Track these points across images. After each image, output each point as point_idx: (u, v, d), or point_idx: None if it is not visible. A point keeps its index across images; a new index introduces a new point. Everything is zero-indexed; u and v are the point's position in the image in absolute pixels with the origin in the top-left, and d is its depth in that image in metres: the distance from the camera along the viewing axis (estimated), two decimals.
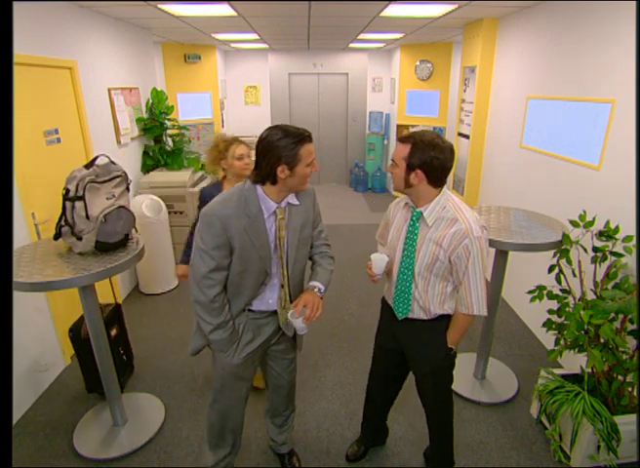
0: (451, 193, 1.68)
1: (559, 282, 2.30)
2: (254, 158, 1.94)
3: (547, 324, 2.31)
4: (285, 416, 2.15)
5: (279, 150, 1.45)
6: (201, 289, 1.58)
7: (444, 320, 1.78)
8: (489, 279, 2.74)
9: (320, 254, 1.82)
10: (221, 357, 1.72)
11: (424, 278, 1.70)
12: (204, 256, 1.54)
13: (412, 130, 1.66)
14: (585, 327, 2.06)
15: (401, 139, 1.59)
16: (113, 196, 2.12)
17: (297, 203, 1.62)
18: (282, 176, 1.49)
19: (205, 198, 2.31)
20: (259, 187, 1.56)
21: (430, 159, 1.52)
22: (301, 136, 1.47)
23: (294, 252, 1.67)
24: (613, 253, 2.16)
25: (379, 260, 1.77)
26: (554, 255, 2.29)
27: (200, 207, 2.29)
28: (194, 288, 1.60)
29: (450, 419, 2.02)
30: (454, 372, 1.94)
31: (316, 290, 1.69)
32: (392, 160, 1.63)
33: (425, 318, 1.77)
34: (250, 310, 1.73)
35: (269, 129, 1.50)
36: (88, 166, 2.08)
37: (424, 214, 1.63)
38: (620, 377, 2.12)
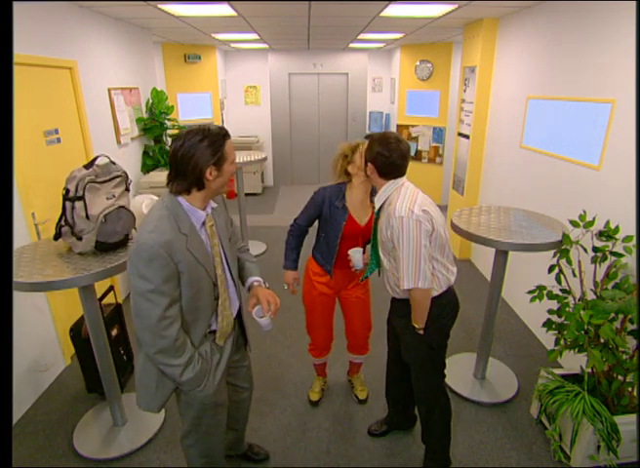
0: (409, 185, 1.83)
1: (559, 282, 2.30)
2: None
3: (547, 324, 2.31)
4: (242, 429, 2.12)
5: (206, 151, 1.37)
6: (159, 334, 1.39)
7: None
8: (488, 279, 2.73)
9: (240, 250, 1.85)
10: (195, 393, 1.57)
11: (387, 259, 1.89)
12: (153, 297, 1.36)
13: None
14: (585, 327, 2.06)
15: (366, 137, 1.94)
16: (113, 196, 2.12)
17: (215, 205, 1.57)
18: (210, 178, 1.41)
19: (319, 199, 2.16)
20: (181, 199, 1.44)
21: (377, 155, 1.79)
22: (222, 133, 1.42)
23: (229, 253, 1.64)
24: (613, 253, 2.16)
25: (355, 253, 2.04)
26: (554, 255, 2.29)
27: (308, 209, 2.21)
28: (149, 338, 1.40)
29: (438, 418, 2.06)
30: (450, 372, 2.03)
31: (262, 285, 1.75)
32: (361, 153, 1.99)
33: (404, 297, 1.90)
34: (210, 332, 1.62)
35: (185, 134, 1.39)
36: (88, 166, 2.08)
37: (375, 201, 1.90)
38: (620, 377, 2.12)
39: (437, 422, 2.07)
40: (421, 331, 1.87)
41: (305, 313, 2.44)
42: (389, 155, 1.77)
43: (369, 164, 1.83)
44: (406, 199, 1.76)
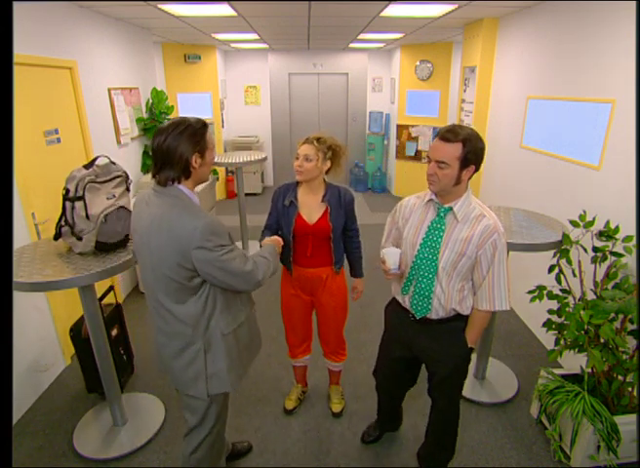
0: None
1: (559, 282, 2.30)
2: (314, 162, 2.00)
3: (547, 324, 2.31)
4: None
5: (190, 139, 1.45)
6: (251, 274, 1.55)
7: (462, 320, 1.79)
8: None
9: None
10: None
11: (448, 274, 1.69)
12: (233, 254, 1.50)
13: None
14: (585, 327, 2.06)
15: (446, 139, 1.55)
16: (114, 196, 2.12)
17: None
18: (196, 166, 1.49)
19: (275, 197, 2.18)
20: (181, 186, 1.51)
21: (481, 151, 1.58)
22: (202, 124, 1.51)
23: None
24: (613, 253, 2.16)
25: (392, 254, 1.72)
26: (554, 255, 2.29)
27: (270, 210, 2.21)
28: (246, 284, 1.56)
29: (459, 412, 2.01)
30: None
31: None
32: (441, 161, 1.56)
33: (444, 316, 1.76)
34: None
35: (167, 128, 1.46)
36: (87, 166, 2.08)
37: (455, 209, 1.65)
38: (620, 377, 2.12)
39: (454, 437, 2.02)
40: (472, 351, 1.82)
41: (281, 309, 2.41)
42: (484, 146, 1.59)
43: (471, 166, 1.57)
44: (490, 210, 1.67)
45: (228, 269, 1.49)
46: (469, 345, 1.79)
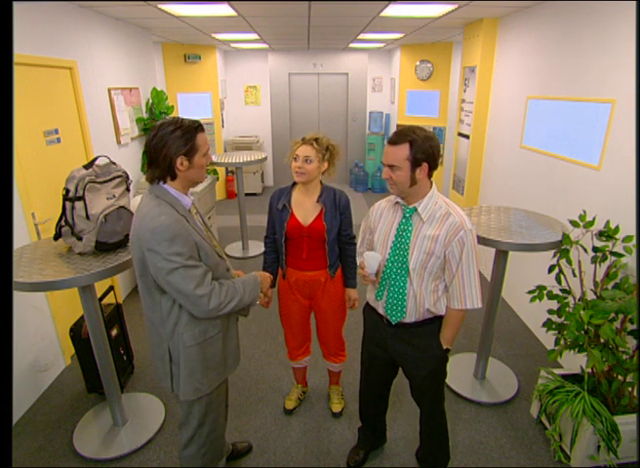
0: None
1: (559, 282, 2.30)
2: (314, 163, 1.99)
3: (547, 324, 2.31)
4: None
5: (176, 141, 1.42)
6: (201, 300, 1.45)
7: (435, 322, 1.77)
8: (488, 279, 2.74)
9: None
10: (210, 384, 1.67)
11: (419, 275, 1.68)
12: (186, 272, 1.41)
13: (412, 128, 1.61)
14: (585, 327, 2.06)
15: (393, 142, 1.58)
16: (114, 196, 2.12)
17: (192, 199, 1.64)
18: (182, 169, 1.46)
19: (271, 203, 2.16)
20: (166, 186, 1.49)
21: (431, 149, 1.57)
22: (195, 126, 1.47)
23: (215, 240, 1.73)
24: (613, 253, 2.16)
25: (371, 259, 1.71)
26: (554, 255, 2.29)
27: (268, 217, 2.20)
28: (195, 309, 1.48)
29: (445, 414, 2.01)
30: (448, 369, 1.94)
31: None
32: (391, 165, 1.59)
33: (418, 319, 1.75)
34: None
35: (159, 125, 1.44)
36: (87, 166, 2.08)
37: (419, 209, 1.65)
38: (620, 377, 2.12)
39: (445, 424, 2.01)
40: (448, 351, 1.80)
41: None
42: (438, 144, 1.59)
43: (423, 164, 1.57)
44: (458, 207, 1.65)
45: (175, 286, 1.42)
46: (445, 346, 1.77)
